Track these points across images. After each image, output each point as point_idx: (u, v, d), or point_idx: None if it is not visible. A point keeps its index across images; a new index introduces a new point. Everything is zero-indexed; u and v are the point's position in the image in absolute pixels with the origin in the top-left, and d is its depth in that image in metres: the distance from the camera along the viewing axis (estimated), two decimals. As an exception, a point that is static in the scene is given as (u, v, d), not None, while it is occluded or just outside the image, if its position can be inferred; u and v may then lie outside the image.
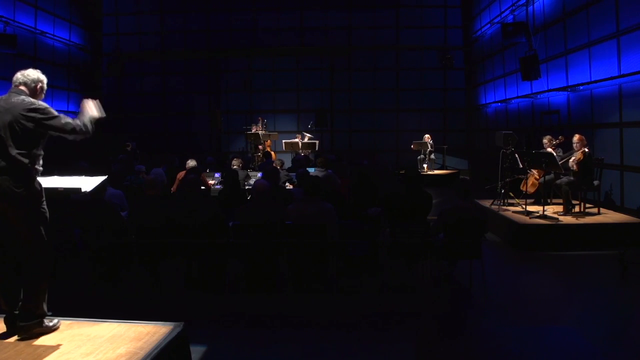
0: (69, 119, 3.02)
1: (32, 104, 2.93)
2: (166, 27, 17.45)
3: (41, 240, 2.93)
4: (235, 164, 9.05)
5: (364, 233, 5.14)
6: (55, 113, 2.99)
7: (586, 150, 7.35)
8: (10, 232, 2.92)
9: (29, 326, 2.89)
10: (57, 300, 2.99)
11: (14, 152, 2.83)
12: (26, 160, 2.87)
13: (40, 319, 2.93)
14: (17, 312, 2.96)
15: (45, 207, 2.99)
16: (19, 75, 3.05)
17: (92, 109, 3.14)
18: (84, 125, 3.05)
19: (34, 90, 3.06)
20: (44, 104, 2.99)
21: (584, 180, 7.38)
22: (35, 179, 2.95)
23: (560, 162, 7.23)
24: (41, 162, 3.03)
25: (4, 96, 2.99)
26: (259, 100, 17.31)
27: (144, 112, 17.48)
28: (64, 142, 3.30)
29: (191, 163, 8.29)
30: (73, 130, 3.00)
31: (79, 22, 16.20)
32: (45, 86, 3.16)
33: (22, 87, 3.02)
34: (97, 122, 3.14)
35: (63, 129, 2.97)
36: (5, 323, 2.97)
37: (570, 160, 7.39)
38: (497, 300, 5.03)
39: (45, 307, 2.96)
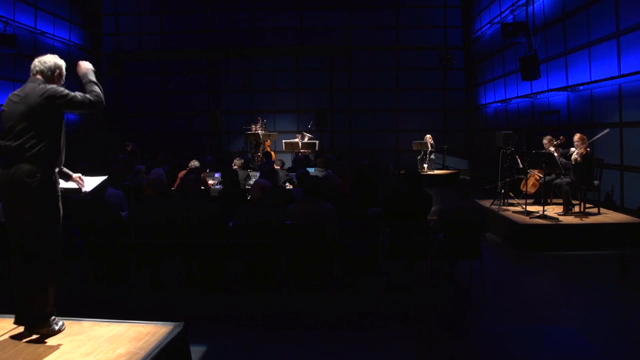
0: (83, 95, 2.97)
1: (46, 89, 2.85)
2: (166, 27, 17.45)
3: (52, 236, 2.86)
4: (237, 164, 9.05)
5: (364, 233, 5.14)
6: (70, 92, 2.92)
7: (588, 149, 7.36)
8: (23, 225, 2.83)
9: (39, 325, 2.85)
10: (57, 300, 2.98)
11: (29, 141, 2.77)
12: (43, 150, 2.80)
13: (48, 319, 2.88)
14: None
15: (60, 204, 2.91)
16: (37, 63, 2.97)
17: (87, 65, 3.13)
18: (98, 91, 3.02)
19: (51, 78, 2.98)
20: (55, 86, 2.91)
21: (583, 180, 7.39)
22: (52, 170, 2.88)
23: (562, 157, 7.24)
24: (62, 154, 2.97)
25: (21, 87, 2.93)
26: (259, 100, 17.31)
27: (144, 112, 17.49)
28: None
29: (195, 163, 8.33)
30: (91, 103, 2.96)
31: (79, 22, 16.21)
32: (64, 71, 3.08)
33: (39, 76, 2.95)
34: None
35: (83, 103, 2.93)
36: (16, 323, 2.92)
37: (574, 153, 7.39)
38: (497, 300, 5.03)
39: (53, 306, 2.92)
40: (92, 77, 3.10)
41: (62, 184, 3.09)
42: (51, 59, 3.01)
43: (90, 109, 3.02)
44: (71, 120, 15.17)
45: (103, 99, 3.04)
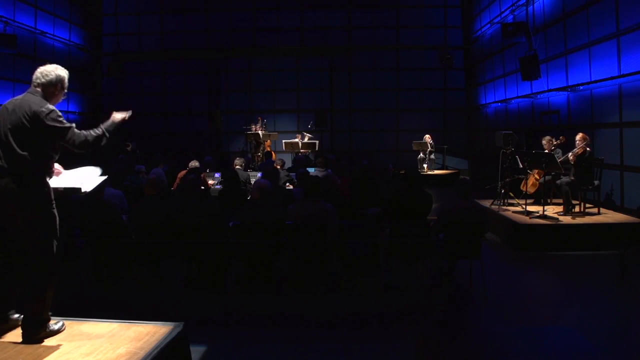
0: (79, 131, 2.90)
1: (41, 106, 2.79)
2: (166, 27, 17.45)
3: (47, 245, 2.84)
4: (237, 163, 9.04)
5: (364, 233, 5.14)
6: (66, 123, 2.86)
7: (588, 149, 7.37)
8: (18, 235, 2.83)
9: (35, 332, 2.84)
10: (57, 300, 2.98)
11: (19, 153, 2.74)
12: (33, 161, 2.77)
13: (45, 324, 2.88)
14: (16, 315, 2.94)
15: (55, 211, 2.88)
16: (38, 74, 2.90)
17: (117, 115, 3.10)
18: (102, 131, 2.97)
19: (52, 92, 2.91)
20: (52, 108, 2.83)
21: (583, 179, 7.39)
22: (43, 180, 2.85)
23: (560, 160, 7.25)
24: (54, 160, 2.92)
25: (19, 96, 2.89)
26: (259, 100, 17.31)
27: (144, 112, 17.47)
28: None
29: (195, 163, 8.33)
30: (83, 143, 2.87)
31: (79, 22, 16.21)
32: (66, 83, 2.99)
33: (39, 89, 2.88)
34: (117, 126, 3.08)
35: (73, 140, 2.85)
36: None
37: (570, 153, 7.42)
38: (497, 300, 5.03)
39: (49, 312, 2.91)
40: (111, 119, 3.08)
41: (62, 183, 3.08)
42: (53, 71, 2.92)
43: (80, 148, 2.89)
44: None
45: (101, 136, 2.96)
